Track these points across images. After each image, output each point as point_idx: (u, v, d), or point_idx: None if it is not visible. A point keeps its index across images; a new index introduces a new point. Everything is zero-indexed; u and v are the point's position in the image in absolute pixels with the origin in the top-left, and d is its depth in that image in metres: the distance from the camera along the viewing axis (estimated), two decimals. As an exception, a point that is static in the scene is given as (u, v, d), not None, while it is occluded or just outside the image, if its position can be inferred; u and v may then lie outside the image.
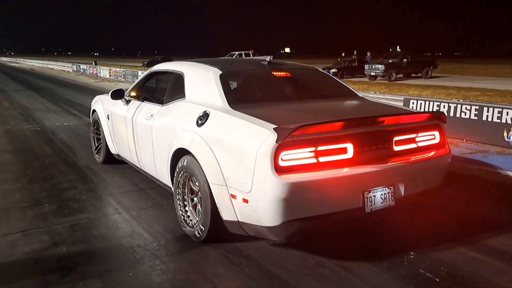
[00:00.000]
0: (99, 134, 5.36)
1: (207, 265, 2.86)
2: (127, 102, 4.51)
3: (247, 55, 35.41)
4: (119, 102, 4.65)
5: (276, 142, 2.46)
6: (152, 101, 4.09)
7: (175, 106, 3.64)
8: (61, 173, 5.09)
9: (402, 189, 2.96)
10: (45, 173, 5.06)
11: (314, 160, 2.59)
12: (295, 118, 2.88)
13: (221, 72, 3.50)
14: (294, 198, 2.51)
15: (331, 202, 2.69)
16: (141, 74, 18.38)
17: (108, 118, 5.00)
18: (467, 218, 3.77)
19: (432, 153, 3.14)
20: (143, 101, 4.23)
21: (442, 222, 3.65)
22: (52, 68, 41.12)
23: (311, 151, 2.57)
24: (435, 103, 7.09)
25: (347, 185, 2.71)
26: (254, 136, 2.64)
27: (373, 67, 21.97)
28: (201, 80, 3.60)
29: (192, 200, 3.28)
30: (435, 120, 3.19)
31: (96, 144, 5.54)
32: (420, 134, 3.07)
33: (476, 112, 6.54)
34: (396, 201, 2.92)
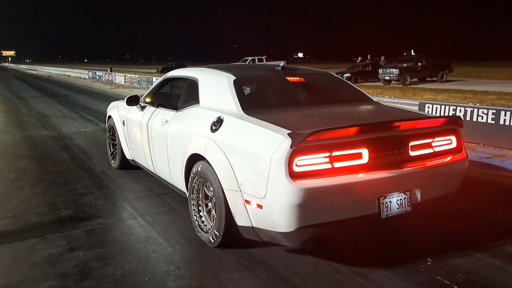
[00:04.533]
0: (115, 140, 5.43)
1: (222, 271, 2.86)
2: (142, 108, 4.57)
3: (260, 60, 35.50)
4: (134, 108, 4.72)
5: (291, 147, 2.43)
6: (167, 107, 4.13)
7: (190, 112, 3.67)
8: (77, 178, 5.17)
9: (418, 195, 2.90)
10: (62, 179, 5.14)
11: (329, 166, 2.55)
12: (310, 123, 2.85)
13: (235, 78, 3.51)
14: (308, 204, 2.48)
15: (346, 208, 2.65)
16: (156, 80, 18.64)
17: (124, 124, 5.07)
18: (485, 223, 3.70)
19: (449, 158, 3.07)
20: (158, 107, 4.28)
21: (459, 228, 3.58)
22: (69, 75, 41.87)
23: (325, 157, 2.53)
24: (451, 107, 7.00)
25: (362, 191, 2.65)
26: (268, 141, 2.61)
27: (387, 71, 21.81)
28: (215, 86, 3.60)
29: (207, 205, 3.29)
30: (452, 124, 3.13)
31: (112, 150, 5.62)
32: (436, 139, 3.00)
33: (493, 116, 6.43)
34: (413, 206, 2.87)
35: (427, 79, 22.74)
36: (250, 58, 35.32)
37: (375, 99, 3.98)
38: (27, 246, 3.24)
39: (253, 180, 2.66)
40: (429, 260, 2.95)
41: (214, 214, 3.10)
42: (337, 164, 2.57)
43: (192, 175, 3.32)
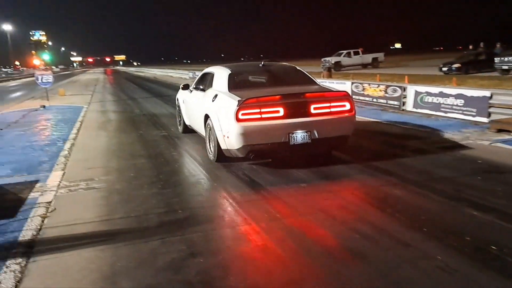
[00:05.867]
0: (180, 113, 8.41)
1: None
2: (191, 91, 7.42)
3: (356, 53, 34.27)
4: (187, 92, 7.61)
5: (237, 106, 4.87)
6: (202, 90, 6.74)
7: (208, 92, 6.25)
8: (189, 178, 5.29)
9: (316, 133, 5.08)
10: (176, 178, 5.31)
11: (259, 116, 4.91)
12: (255, 94, 5.13)
13: (230, 72, 6.12)
14: (245, 133, 4.90)
15: (267, 137, 4.96)
16: None
17: (183, 102, 8.04)
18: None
19: (343, 115, 5.23)
20: (197, 90, 7.00)
21: None
22: (171, 76, 44.70)
23: (257, 112, 4.90)
24: None
25: (277, 129, 4.94)
26: (230, 104, 5.07)
27: (506, 59, 19.27)
28: (220, 77, 6.21)
29: (211, 140, 5.81)
30: (346, 96, 5.38)
31: (179, 119, 8.66)
32: (333, 104, 5.18)
33: None
34: (312, 140, 5.07)
35: (557, 67, 19.55)
36: (345, 51, 34.22)
37: (319, 81, 6.52)
38: (150, 249, 3.31)
39: (226, 124, 5.11)
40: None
41: (213, 144, 5.69)
42: (264, 115, 4.92)
43: (206, 125, 5.94)
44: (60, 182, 5.27)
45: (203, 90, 6.57)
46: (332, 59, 33.32)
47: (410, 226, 3.50)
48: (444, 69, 22.07)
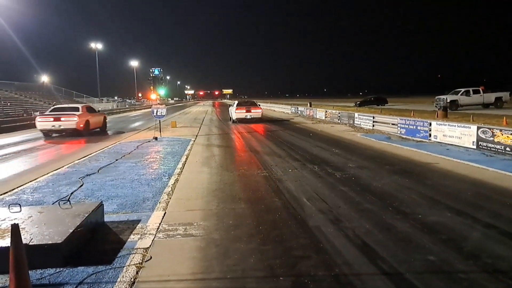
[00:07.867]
0: (230, 113, 28.62)
1: None
2: (231, 106, 29.17)
3: (475, 91, 31.10)
4: (230, 107, 30.75)
5: (236, 108, 25.82)
6: (232, 106, 27.75)
7: (233, 106, 27.44)
8: (292, 234, 4.74)
9: (252, 116, 25.54)
10: (276, 232, 4.80)
11: (240, 111, 25.55)
12: (240, 106, 26.00)
13: (238, 102, 28.22)
14: (237, 115, 25.57)
15: (241, 116, 25.40)
16: (355, 114, 20.21)
17: (229, 110, 29.24)
18: None
19: (259, 112, 26.12)
20: (232, 106, 28.48)
21: None
22: (274, 110, 45.58)
23: (240, 110, 25.55)
24: None
25: (244, 114, 25.44)
26: (235, 108, 25.93)
27: None
28: (236, 103, 27.70)
29: (231, 118, 27.29)
30: (261, 108, 26.89)
31: (229, 116, 28.54)
32: (257, 109, 26.29)
33: None
34: (252, 117, 25.48)
35: None
36: (463, 89, 31.25)
37: (261, 106, 27.80)
38: (247, 330, 2.82)
39: (234, 113, 26.11)
40: None
41: (232, 119, 26.65)
42: (242, 111, 25.58)
43: (231, 114, 27.58)
44: (159, 224, 5.13)
45: (233, 106, 26.58)
46: (448, 98, 30.65)
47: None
48: None
